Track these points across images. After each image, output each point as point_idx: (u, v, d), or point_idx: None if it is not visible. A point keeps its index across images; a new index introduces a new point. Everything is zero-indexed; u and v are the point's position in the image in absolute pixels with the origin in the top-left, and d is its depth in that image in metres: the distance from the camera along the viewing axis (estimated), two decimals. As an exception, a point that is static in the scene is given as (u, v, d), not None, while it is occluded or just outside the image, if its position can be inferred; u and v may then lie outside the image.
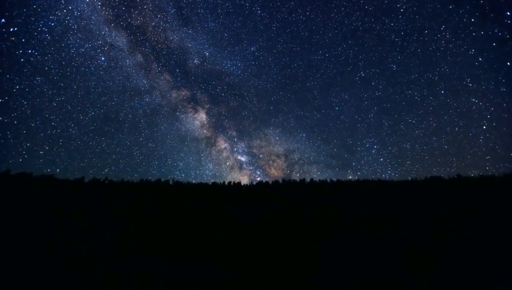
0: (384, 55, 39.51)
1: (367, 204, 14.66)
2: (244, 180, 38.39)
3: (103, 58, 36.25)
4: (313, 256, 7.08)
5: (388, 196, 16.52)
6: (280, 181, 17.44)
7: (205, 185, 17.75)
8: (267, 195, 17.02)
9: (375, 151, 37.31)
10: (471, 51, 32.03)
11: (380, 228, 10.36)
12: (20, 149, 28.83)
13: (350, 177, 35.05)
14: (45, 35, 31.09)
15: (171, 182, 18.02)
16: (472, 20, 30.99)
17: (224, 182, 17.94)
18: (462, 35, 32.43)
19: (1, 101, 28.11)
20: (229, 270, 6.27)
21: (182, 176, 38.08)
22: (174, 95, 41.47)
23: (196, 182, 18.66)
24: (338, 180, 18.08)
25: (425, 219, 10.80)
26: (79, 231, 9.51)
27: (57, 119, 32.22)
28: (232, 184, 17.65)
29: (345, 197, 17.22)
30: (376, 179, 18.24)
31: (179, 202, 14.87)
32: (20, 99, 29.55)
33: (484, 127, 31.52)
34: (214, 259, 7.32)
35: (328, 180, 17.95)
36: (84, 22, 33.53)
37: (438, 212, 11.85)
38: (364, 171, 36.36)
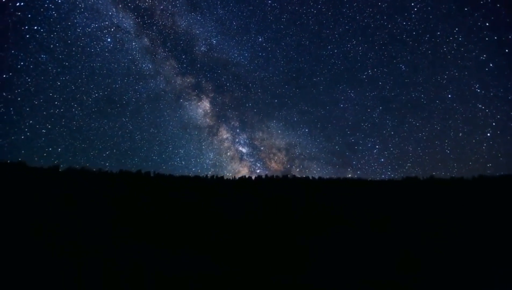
0: (393, 54, 38.37)
1: (349, 202, 15.06)
2: (244, 172, 38.74)
3: (109, 40, 35.32)
4: (300, 254, 7.14)
5: (370, 195, 17.05)
6: (263, 176, 17.61)
7: (187, 177, 17.57)
8: (251, 190, 17.10)
9: (376, 151, 37.43)
10: (483, 56, 31.24)
11: (363, 227, 10.68)
12: (22, 126, 28.66)
13: (349, 175, 35.49)
14: (52, 12, 30.32)
15: (152, 174, 17.69)
16: (487, 24, 30.12)
17: (207, 175, 17.85)
18: (475, 39, 31.54)
19: (5, 76, 27.58)
20: (210, 265, 6.25)
21: (182, 164, 38.07)
22: (179, 81, 40.70)
23: (179, 175, 18.43)
24: (320, 178, 18.54)
25: (414, 219, 11.24)
26: (51, 223, 9.16)
27: (61, 99, 31.79)
28: (215, 177, 17.62)
29: (327, 195, 17.62)
30: (357, 178, 18.85)
31: (159, 194, 14.65)
32: (24, 76, 29.16)
33: (489, 134, 30.69)
34: (196, 253, 7.27)
35: (310, 177, 18.36)
36: (91, 1, 32.53)
37: (420, 212, 12.38)
38: (364, 170, 36.64)
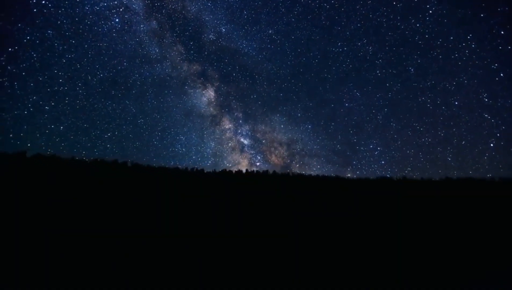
0: (404, 56, 37.35)
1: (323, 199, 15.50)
2: (244, 164, 38.42)
3: (117, 20, 33.38)
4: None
5: (344, 193, 17.66)
6: (244, 171, 17.63)
7: (166, 169, 17.16)
8: (232, 184, 17.07)
9: (377, 153, 37.19)
10: (494, 65, 30.80)
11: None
12: (26, 102, 27.37)
13: (349, 175, 35.97)
14: (59, -14, 28.03)
15: (129, 164, 17.08)
16: (502, 32, 29.65)
17: (187, 167, 17.52)
18: (488, 47, 30.95)
19: (11, 50, 25.98)
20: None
21: (183, 151, 37.53)
22: (185, 68, 38.96)
23: (157, 166, 17.95)
24: (299, 174, 18.92)
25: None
26: (16, 213, 8.58)
27: (65, 76, 30.38)
28: (195, 170, 17.34)
29: (306, 191, 18.02)
30: (334, 176, 19.50)
31: (135, 186, 14.22)
32: (30, 50, 27.77)
33: (492, 145, 30.33)
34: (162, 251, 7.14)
35: (290, 173, 18.67)
36: (100, -22, 30.25)
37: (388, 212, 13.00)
38: (364, 171, 36.69)
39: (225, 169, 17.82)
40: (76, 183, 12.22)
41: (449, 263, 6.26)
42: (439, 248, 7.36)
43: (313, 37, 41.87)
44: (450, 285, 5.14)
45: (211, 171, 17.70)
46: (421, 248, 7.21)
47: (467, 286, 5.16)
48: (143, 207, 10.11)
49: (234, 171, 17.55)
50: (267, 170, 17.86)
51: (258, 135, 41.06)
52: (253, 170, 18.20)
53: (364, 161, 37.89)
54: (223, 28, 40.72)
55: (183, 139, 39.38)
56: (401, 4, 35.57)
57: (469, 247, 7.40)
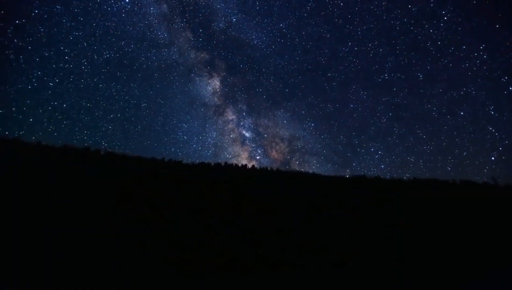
0: (414, 61, 36.76)
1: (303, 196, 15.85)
2: (244, 156, 37.90)
3: (127, 0, 31.31)
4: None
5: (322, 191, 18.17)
6: (223, 164, 17.51)
7: (143, 159, 16.61)
8: (212, 177, 16.92)
9: (378, 157, 37.01)
10: (504, 78, 30.49)
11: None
12: (30, 76, 25.82)
13: (347, 176, 36.16)
14: (68, -40, 25.68)
15: (102, 153, 16.31)
16: None
17: (164, 158, 17.08)
18: (500, 59, 30.54)
19: (18, 23, 24.27)
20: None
21: (184, 138, 36.82)
22: (192, 55, 37.29)
23: (134, 155, 17.33)
24: (278, 169, 19.19)
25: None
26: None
27: (72, 54, 28.88)
28: (172, 161, 16.95)
29: (287, 187, 18.30)
30: (312, 173, 20.03)
31: (107, 175, 13.65)
32: (37, 24, 26.19)
33: (493, 158, 30.70)
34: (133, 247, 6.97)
35: (269, 168, 18.85)
36: (110, -45, 27.70)
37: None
38: (363, 173, 36.86)
39: (204, 162, 17.60)
40: (39, 172, 11.45)
41: (447, 262, 6.53)
42: (438, 247, 7.65)
43: (323, 35, 40.76)
44: (450, 284, 5.31)
45: (190, 163, 17.44)
46: (420, 248, 7.49)
47: (467, 286, 5.36)
48: (114, 200, 9.76)
49: (212, 164, 17.41)
50: (245, 164, 17.92)
51: (260, 129, 40.42)
52: (232, 163, 18.17)
53: (363, 164, 37.98)
54: (234, 18, 38.97)
55: (185, 127, 38.29)
56: (416, 8, 34.65)
57: (467, 246, 7.72)
